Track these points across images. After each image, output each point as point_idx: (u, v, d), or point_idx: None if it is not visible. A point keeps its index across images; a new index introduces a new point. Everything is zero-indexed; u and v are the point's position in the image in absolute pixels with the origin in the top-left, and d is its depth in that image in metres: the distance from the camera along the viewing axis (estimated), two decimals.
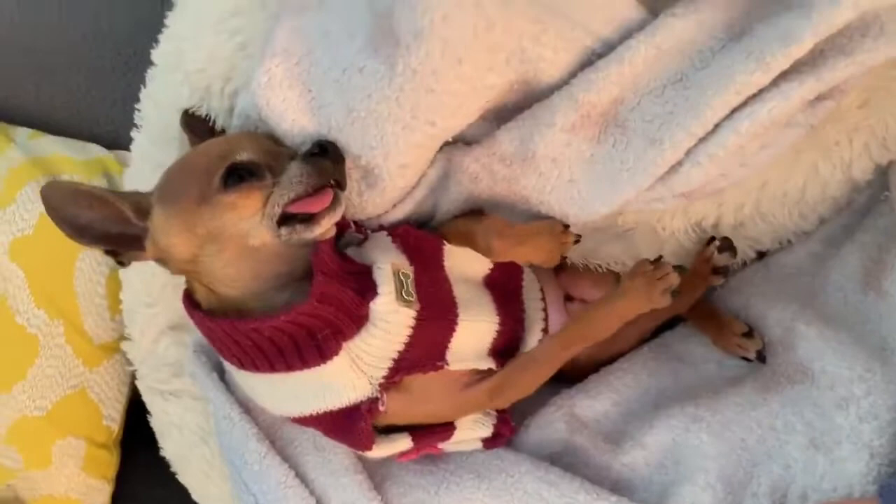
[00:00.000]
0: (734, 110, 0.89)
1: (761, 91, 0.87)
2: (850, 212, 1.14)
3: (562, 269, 1.15)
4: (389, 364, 0.91)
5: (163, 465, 1.24)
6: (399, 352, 0.91)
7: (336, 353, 0.89)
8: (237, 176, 0.87)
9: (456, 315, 0.96)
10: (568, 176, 0.98)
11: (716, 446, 1.02)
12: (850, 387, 0.98)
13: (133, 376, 1.25)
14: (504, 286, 1.05)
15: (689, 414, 1.05)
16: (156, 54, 1.07)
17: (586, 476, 1.03)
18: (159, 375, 1.21)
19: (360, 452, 1.01)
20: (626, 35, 0.91)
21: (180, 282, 0.97)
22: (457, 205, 1.04)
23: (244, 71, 1.00)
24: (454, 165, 1.02)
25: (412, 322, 0.91)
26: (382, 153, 0.94)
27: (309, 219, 0.88)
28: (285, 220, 0.88)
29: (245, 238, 0.87)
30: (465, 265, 1.02)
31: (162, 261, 0.92)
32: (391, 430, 0.99)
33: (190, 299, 0.94)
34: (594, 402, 1.11)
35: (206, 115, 1.05)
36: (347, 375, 0.91)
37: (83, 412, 1.29)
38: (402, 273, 0.93)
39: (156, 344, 1.19)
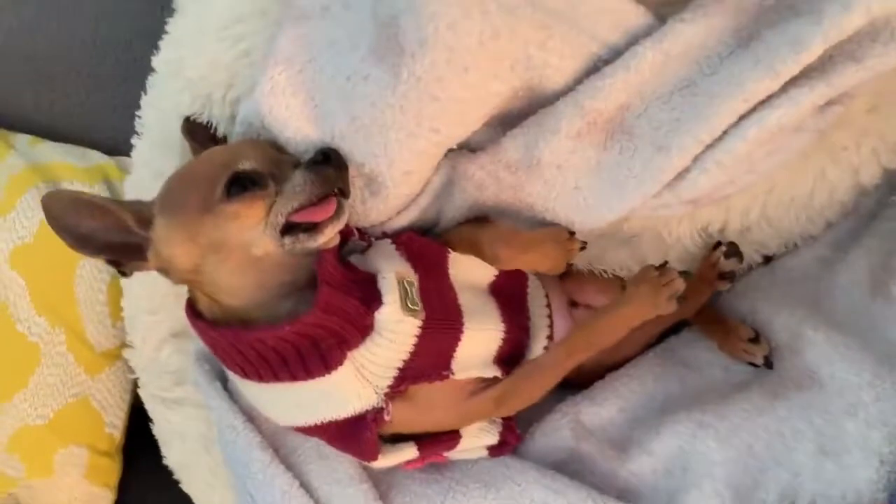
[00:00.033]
0: (742, 116, 0.88)
1: (770, 97, 0.87)
2: (857, 216, 1.13)
3: (567, 274, 1.14)
4: (395, 373, 0.91)
5: (165, 471, 1.24)
6: (404, 361, 0.91)
7: (340, 363, 0.88)
8: (240, 185, 0.87)
9: (461, 324, 0.95)
10: (573, 183, 0.97)
11: (723, 453, 1.01)
12: (859, 393, 0.98)
13: (135, 383, 1.24)
14: (509, 293, 1.05)
15: (696, 420, 1.04)
16: (156, 61, 1.07)
17: (592, 484, 1.02)
18: (161, 383, 1.20)
19: (365, 463, 1.00)
20: (633, 41, 0.90)
21: (182, 289, 0.96)
22: (461, 212, 1.03)
23: (246, 78, 1.00)
24: (459, 173, 1.01)
25: (417, 331, 0.91)
26: (386, 161, 0.94)
27: (312, 228, 0.87)
28: (289, 229, 0.87)
29: (248, 248, 0.87)
30: (469, 272, 1.01)
31: (164, 270, 0.91)
32: (396, 438, 0.99)
33: (193, 309, 0.94)
34: (600, 409, 1.10)
35: (208, 123, 1.05)
36: (352, 385, 0.90)
37: (85, 420, 1.29)
38: (407, 281, 0.92)
39: (158, 352, 1.19)
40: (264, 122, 0.96)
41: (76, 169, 1.30)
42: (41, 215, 0.86)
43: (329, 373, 0.88)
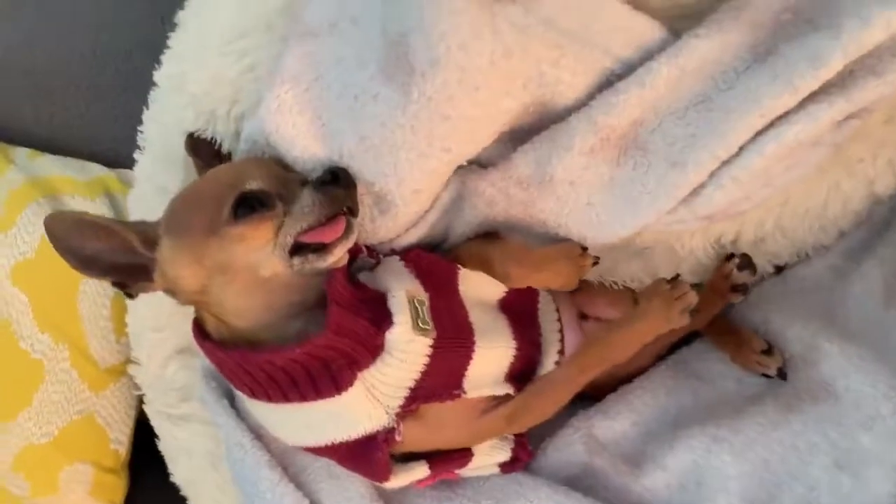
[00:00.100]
0: (759, 132, 0.87)
1: (788, 112, 0.85)
2: (870, 225, 1.12)
3: (577, 287, 1.13)
4: (406, 393, 0.89)
5: (171, 487, 1.23)
6: (415, 381, 0.89)
7: (351, 384, 0.87)
8: (247, 206, 0.85)
9: (473, 342, 0.94)
10: (586, 199, 0.96)
11: (738, 467, 1.00)
12: (877, 405, 0.97)
13: (140, 399, 1.23)
14: (520, 309, 1.03)
15: (710, 434, 1.03)
16: (158, 76, 1.05)
17: (606, 499, 1.02)
18: (167, 400, 1.19)
19: (377, 483, 0.99)
20: (647, 56, 0.89)
21: (188, 307, 0.94)
22: (471, 227, 1.02)
23: (251, 94, 0.98)
24: (469, 189, 1.00)
25: (429, 350, 0.89)
26: (396, 180, 0.93)
27: (322, 248, 0.86)
28: (297, 249, 0.86)
29: (256, 269, 0.85)
30: (480, 289, 1.00)
31: (170, 291, 0.89)
32: (407, 457, 0.98)
33: (200, 329, 0.92)
34: (613, 423, 1.09)
35: (212, 139, 1.03)
36: (363, 405, 0.89)
37: (90, 437, 1.27)
38: (418, 300, 0.91)
39: (163, 368, 1.17)
40: (270, 141, 0.94)
41: (77, 182, 1.29)
42: (42, 230, 0.85)
43: (340, 393, 0.87)
